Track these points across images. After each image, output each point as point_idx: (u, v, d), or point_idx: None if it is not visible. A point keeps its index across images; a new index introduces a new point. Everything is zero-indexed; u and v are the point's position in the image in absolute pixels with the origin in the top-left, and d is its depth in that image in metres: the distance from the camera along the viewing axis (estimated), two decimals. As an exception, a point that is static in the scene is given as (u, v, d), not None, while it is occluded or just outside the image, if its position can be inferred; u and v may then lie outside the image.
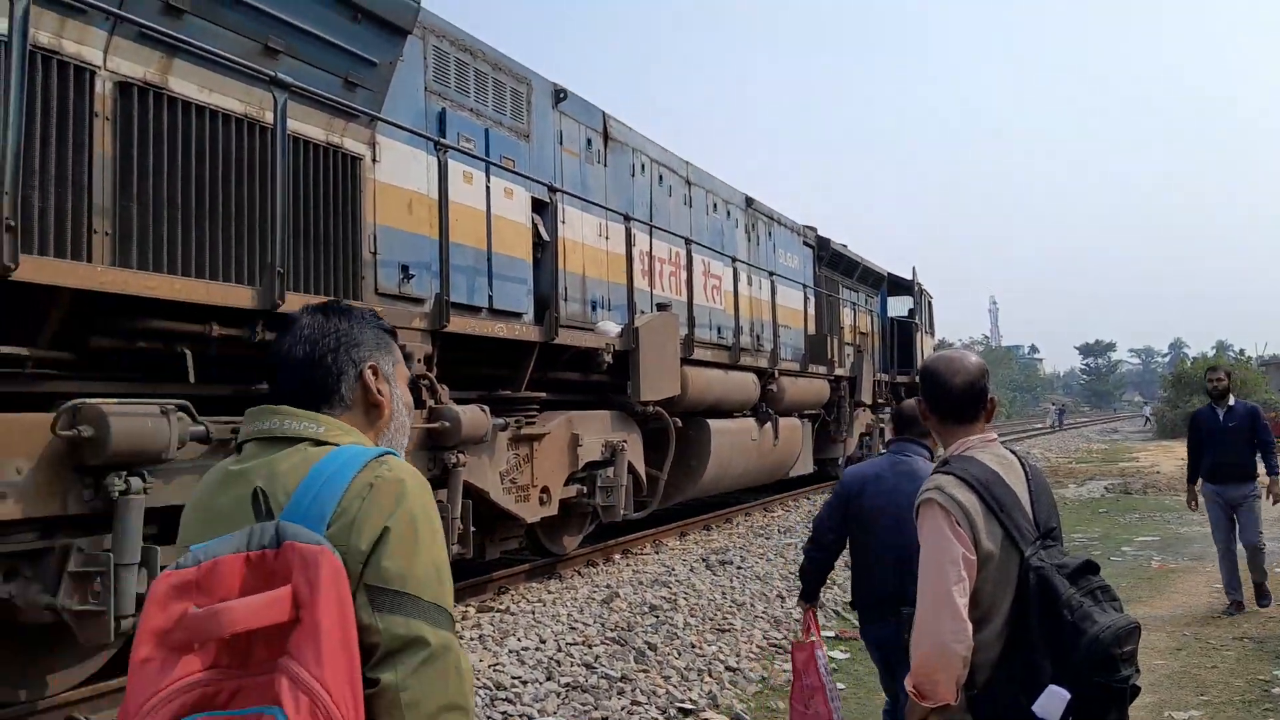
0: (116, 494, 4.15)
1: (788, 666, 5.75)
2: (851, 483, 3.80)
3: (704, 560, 9.10)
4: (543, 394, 7.87)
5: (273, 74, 5.17)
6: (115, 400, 4.29)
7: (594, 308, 9.03)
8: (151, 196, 4.84)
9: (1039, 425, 53.45)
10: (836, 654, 6.07)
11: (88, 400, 4.18)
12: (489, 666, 5.42)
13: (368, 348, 1.59)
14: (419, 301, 6.59)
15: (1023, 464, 2.42)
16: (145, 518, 4.29)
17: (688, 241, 10.67)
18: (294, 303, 5.21)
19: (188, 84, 5.07)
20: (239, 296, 4.97)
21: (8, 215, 3.82)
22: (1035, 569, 2.19)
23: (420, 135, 6.60)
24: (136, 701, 1.24)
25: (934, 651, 2.15)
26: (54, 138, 4.41)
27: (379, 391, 1.58)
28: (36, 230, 4.30)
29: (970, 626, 2.15)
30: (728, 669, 5.69)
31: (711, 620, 6.83)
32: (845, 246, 17.69)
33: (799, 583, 4.10)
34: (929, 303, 22.50)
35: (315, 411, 1.51)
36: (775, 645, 6.24)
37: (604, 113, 9.63)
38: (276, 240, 5.11)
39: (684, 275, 10.66)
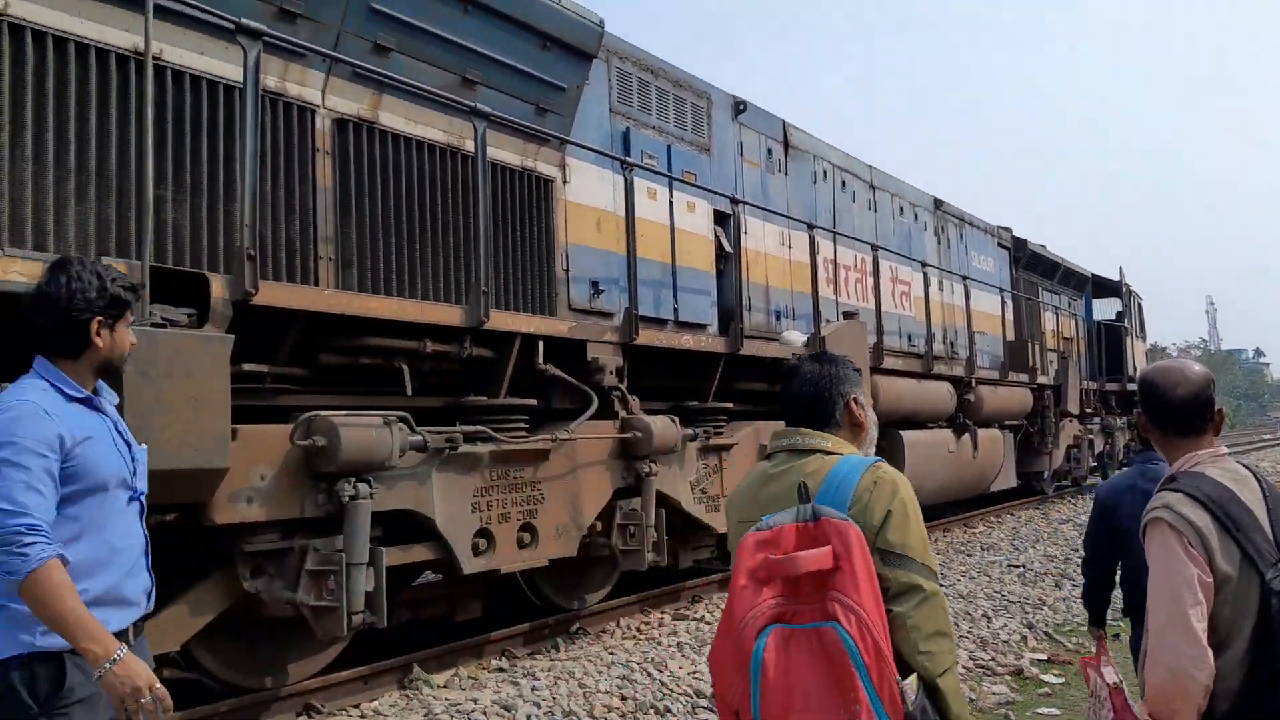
0: (347, 498, 4.51)
1: (997, 689, 5.51)
2: (1106, 497, 3.86)
3: (898, 574, 8.83)
4: (729, 404, 7.90)
5: (473, 104, 5.48)
6: (344, 412, 4.67)
7: (778, 317, 8.98)
8: (368, 223, 5.24)
9: (1268, 436, 48.55)
10: (1050, 678, 5.77)
11: (320, 412, 4.56)
12: (689, 674, 5.46)
13: (850, 384, 2.22)
14: (608, 316, 6.78)
15: (1258, 479, 2.24)
16: (371, 521, 4.63)
17: (873, 247, 10.43)
18: (498, 320, 5.50)
19: (395, 117, 5.45)
20: (449, 315, 5.29)
21: (249, 246, 4.25)
22: (1279, 594, 2.02)
23: (607, 155, 6.81)
24: (741, 613, 1.89)
25: (1171, 679, 2.02)
26: (282, 173, 4.86)
27: (859, 415, 2.20)
28: (271, 258, 4.75)
29: (1210, 653, 2.01)
30: (930, 688, 5.51)
31: (910, 637, 6.62)
32: (1044, 247, 16.77)
33: (1084, 608, 4.15)
34: (1139, 304, 20.95)
35: (820, 431, 2.15)
36: (982, 666, 5.97)
37: (784, 122, 9.59)
38: (481, 261, 5.41)
39: (870, 282, 10.44)
